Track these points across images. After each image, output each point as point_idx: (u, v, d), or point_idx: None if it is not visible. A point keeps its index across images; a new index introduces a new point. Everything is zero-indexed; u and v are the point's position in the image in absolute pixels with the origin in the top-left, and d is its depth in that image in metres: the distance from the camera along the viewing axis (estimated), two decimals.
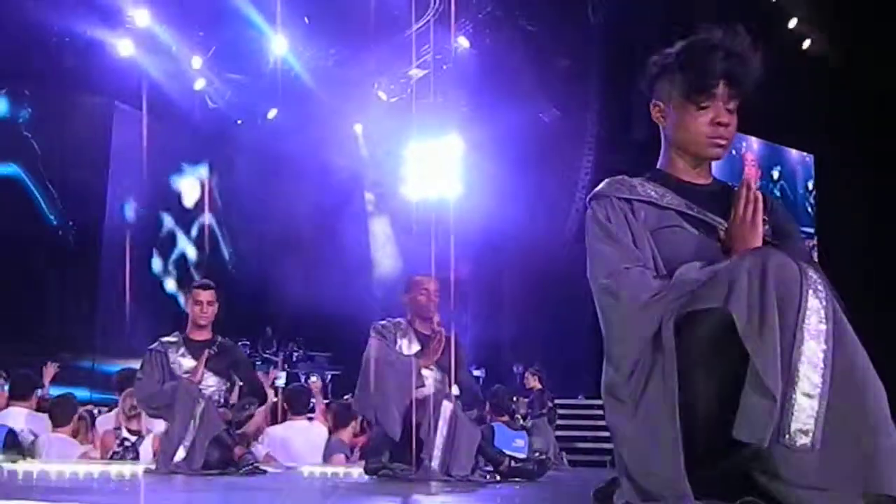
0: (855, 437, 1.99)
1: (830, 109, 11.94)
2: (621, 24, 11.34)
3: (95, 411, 7.67)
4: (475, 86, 12.20)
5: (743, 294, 2.04)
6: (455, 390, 5.32)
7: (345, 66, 12.24)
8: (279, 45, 11.86)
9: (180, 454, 5.09)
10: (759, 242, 2.30)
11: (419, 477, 4.71)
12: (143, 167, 12.46)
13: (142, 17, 11.03)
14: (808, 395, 2.00)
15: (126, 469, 5.34)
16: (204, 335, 5.64)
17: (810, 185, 15.29)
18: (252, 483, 4.80)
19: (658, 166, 2.57)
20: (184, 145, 12.97)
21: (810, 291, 2.04)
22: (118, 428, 6.71)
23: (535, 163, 12.00)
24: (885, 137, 11.65)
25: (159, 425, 5.73)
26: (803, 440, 1.99)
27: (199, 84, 12.23)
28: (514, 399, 8.85)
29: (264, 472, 5.35)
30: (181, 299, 11.93)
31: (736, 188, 2.41)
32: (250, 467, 5.20)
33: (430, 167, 13.02)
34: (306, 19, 11.71)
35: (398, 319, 5.37)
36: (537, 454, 6.91)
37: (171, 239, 13.39)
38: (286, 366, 11.88)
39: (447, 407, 4.87)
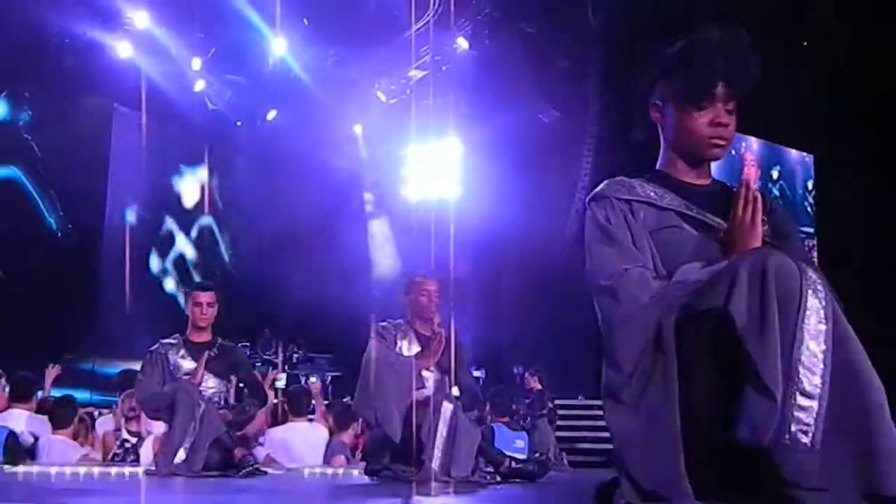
0: (855, 438, 1.99)
1: (830, 109, 11.93)
2: (621, 25, 11.32)
3: (96, 413, 7.67)
4: (474, 87, 12.20)
5: (743, 294, 2.05)
6: (455, 391, 5.33)
7: (344, 67, 12.24)
8: (279, 47, 11.86)
9: (181, 456, 5.09)
10: (758, 243, 2.31)
11: (420, 478, 4.71)
12: (143, 169, 12.48)
13: (141, 19, 11.03)
14: (808, 396, 2.00)
15: (126, 471, 5.34)
16: (204, 337, 5.64)
17: (810, 185, 15.28)
18: (252, 485, 4.80)
19: (657, 167, 2.57)
20: (183, 147, 12.97)
21: (810, 291, 2.05)
22: (118, 430, 6.71)
23: (535, 164, 11.99)
24: (885, 137, 11.64)
25: (159, 427, 5.74)
26: (803, 440, 1.99)
27: (199, 85, 12.23)
28: (515, 400, 8.84)
29: (265, 473, 5.36)
30: (181, 300, 11.93)
31: (735, 188, 2.41)
32: (251, 469, 5.20)
33: (429, 168, 13.02)
34: (306, 21, 11.71)
35: (398, 320, 5.37)
36: (537, 455, 6.91)
37: (171, 240, 13.38)
38: (286, 367, 11.88)
39: (447, 408, 4.87)
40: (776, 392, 1.99)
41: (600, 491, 2.45)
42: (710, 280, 2.16)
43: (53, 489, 4.09)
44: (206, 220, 13.85)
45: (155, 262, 13.13)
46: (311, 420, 7.30)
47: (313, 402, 7.74)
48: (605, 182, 2.53)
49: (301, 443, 6.79)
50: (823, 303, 2.05)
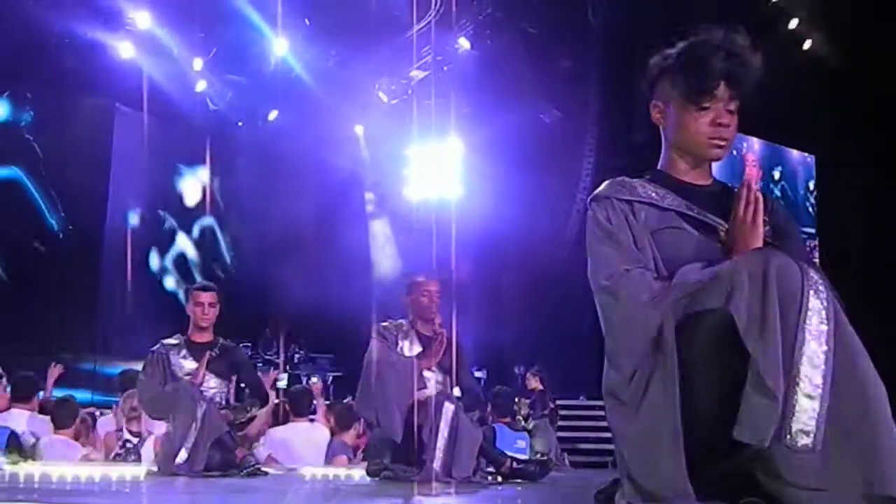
0: (856, 438, 1.99)
1: (831, 110, 11.92)
2: (622, 26, 11.32)
3: (97, 413, 7.68)
4: (476, 87, 12.19)
5: (744, 295, 2.04)
6: (456, 392, 5.33)
7: (345, 68, 12.24)
8: (280, 47, 11.86)
9: (182, 456, 5.09)
10: (759, 243, 2.31)
11: (421, 478, 4.71)
12: (144, 169, 12.48)
13: (143, 19, 11.03)
14: (810, 396, 2.00)
15: (127, 471, 5.35)
16: (205, 337, 5.65)
17: (811, 185, 15.28)
18: (254, 485, 4.80)
19: (658, 167, 2.57)
20: (185, 147, 12.97)
21: (811, 292, 2.04)
22: (119, 430, 6.72)
23: (536, 164, 11.99)
24: (887, 138, 11.63)
25: (160, 427, 5.74)
26: (804, 441, 1.99)
27: (200, 86, 12.23)
28: (516, 400, 8.84)
29: (266, 473, 5.36)
30: (182, 300, 11.93)
31: (736, 189, 2.41)
32: (252, 469, 5.20)
33: (430, 168, 13.02)
34: (307, 21, 11.71)
35: (400, 321, 5.38)
36: (539, 455, 6.92)
37: (172, 241, 13.39)
38: (287, 367, 11.88)
39: (449, 408, 4.87)
40: (777, 392, 1.99)
41: (601, 491, 2.45)
42: (711, 280, 2.16)
43: (55, 489, 4.09)
44: (208, 220, 13.85)
45: (156, 263, 13.14)
46: (312, 420, 7.30)
47: (314, 402, 7.74)
48: (606, 182, 2.53)
49: (302, 443, 6.79)
50: (825, 303, 2.05)
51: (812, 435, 1.98)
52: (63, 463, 5.91)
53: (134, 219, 12.59)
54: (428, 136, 12.65)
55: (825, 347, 2.02)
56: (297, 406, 7.05)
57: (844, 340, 2.04)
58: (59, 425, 6.41)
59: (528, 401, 9.80)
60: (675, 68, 2.47)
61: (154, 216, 13.05)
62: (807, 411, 1.99)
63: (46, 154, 11.66)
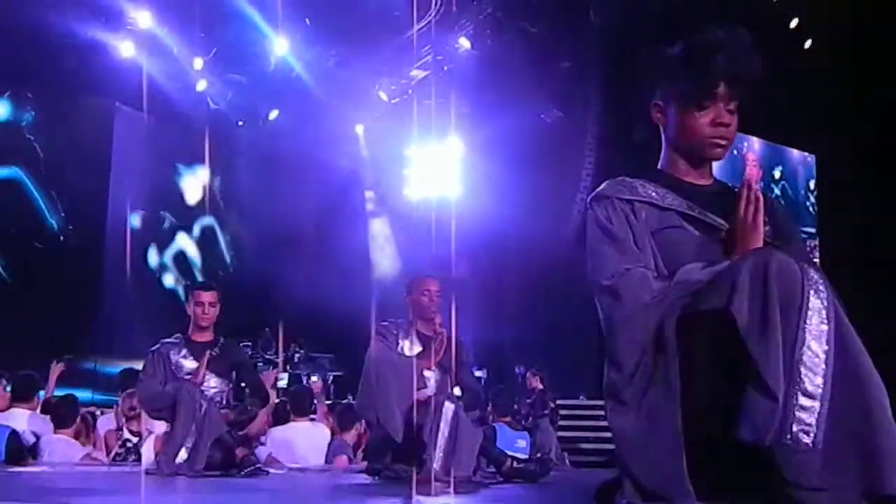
0: (857, 438, 1.99)
1: (832, 109, 11.93)
2: (622, 25, 11.33)
3: (98, 412, 7.67)
4: (476, 87, 12.20)
5: (744, 295, 2.04)
6: (457, 391, 5.33)
7: (346, 67, 12.24)
8: (280, 47, 11.87)
9: (182, 455, 5.09)
10: (760, 243, 2.31)
11: (421, 478, 4.70)
12: (145, 168, 12.49)
13: (143, 19, 11.04)
14: (810, 396, 2.00)
15: (128, 470, 5.35)
16: (206, 336, 5.64)
17: (812, 184, 15.28)
18: (254, 484, 4.80)
19: (659, 167, 2.57)
20: (185, 146, 12.98)
21: (812, 292, 2.05)
22: (120, 429, 6.72)
23: (536, 164, 12.00)
24: (887, 137, 11.64)
25: (160, 426, 5.74)
26: (805, 440, 1.99)
27: (201, 85, 12.24)
28: (516, 400, 8.85)
29: (266, 473, 5.35)
30: (182, 300, 11.93)
31: (737, 189, 2.41)
32: (252, 469, 5.20)
33: (431, 168, 13.02)
34: (307, 20, 11.71)
35: (400, 320, 5.37)
36: (539, 455, 6.91)
37: (173, 241, 13.39)
38: (288, 367, 11.89)
39: (449, 408, 4.87)
40: (778, 392, 1.99)
41: (601, 491, 2.45)
42: (711, 280, 2.16)
43: (55, 489, 4.09)
44: (208, 219, 13.86)
45: (156, 262, 13.14)
46: (312, 420, 7.30)
47: (315, 401, 7.74)
48: (607, 182, 2.53)
49: (303, 442, 6.79)
50: (825, 303, 2.05)
51: (812, 434, 1.99)
52: (64, 462, 5.91)
53: (134, 218, 12.59)
54: (428, 135, 12.67)
55: (825, 347, 2.02)
56: (297, 405, 7.05)
57: (845, 340, 2.04)
58: (59, 425, 6.41)
59: (528, 400, 9.81)
60: (675, 68, 2.47)
61: (154, 216, 13.06)
62: (807, 411, 2.00)
63: (47, 154, 11.67)
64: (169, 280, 13.24)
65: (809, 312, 2.03)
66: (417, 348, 5.25)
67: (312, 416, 7.39)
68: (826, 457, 1.99)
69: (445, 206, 12.22)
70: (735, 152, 13.25)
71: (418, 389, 5.02)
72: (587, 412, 10.80)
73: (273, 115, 13.22)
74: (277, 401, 7.50)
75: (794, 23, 12.29)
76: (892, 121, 11.41)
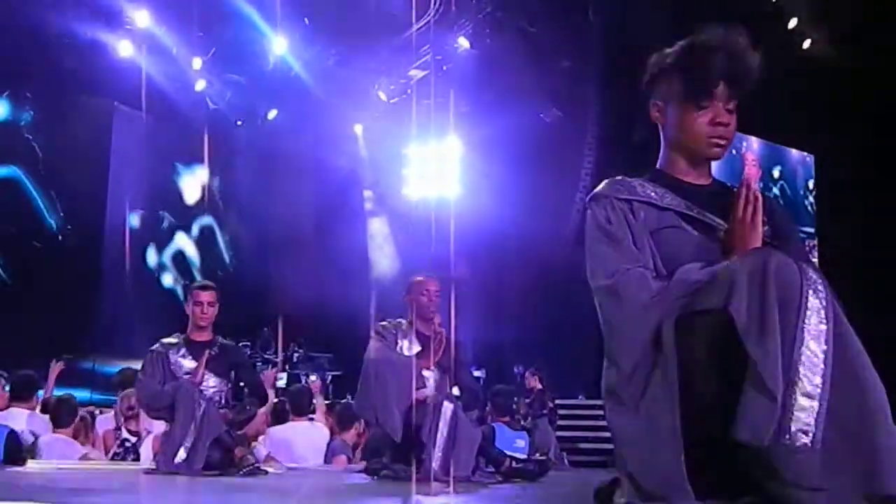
0: (855, 437, 1.99)
1: (831, 109, 11.94)
2: (621, 25, 11.34)
3: (97, 412, 7.67)
4: (475, 86, 12.20)
5: (743, 295, 2.04)
6: (455, 391, 5.33)
7: (345, 67, 12.25)
8: (279, 46, 11.87)
9: (181, 455, 5.09)
10: (758, 243, 2.30)
11: (420, 477, 4.71)
12: (144, 168, 12.49)
13: (142, 19, 11.04)
14: (809, 396, 2.00)
15: (126, 470, 5.35)
16: (204, 336, 5.64)
17: (811, 184, 15.29)
18: (253, 484, 4.80)
19: (657, 166, 2.57)
20: (184, 146, 12.98)
21: (810, 291, 2.04)
22: (118, 429, 6.71)
23: (535, 163, 12.00)
24: (886, 137, 11.64)
25: (158, 426, 5.74)
26: (804, 440, 1.99)
27: (200, 85, 12.24)
28: (515, 399, 8.84)
29: (265, 472, 5.35)
30: (181, 299, 11.93)
31: (736, 188, 2.41)
32: (251, 468, 5.20)
33: (430, 168, 13.03)
34: (306, 20, 11.71)
35: (399, 320, 5.37)
36: (538, 454, 6.91)
37: (172, 240, 13.39)
38: (286, 366, 11.89)
39: (448, 407, 4.87)
40: (776, 392, 1.99)
41: (601, 491, 2.45)
42: (710, 280, 2.16)
43: (54, 488, 4.09)
44: (207, 219, 13.86)
45: (155, 262, 13.14)
46: (311, 419, 7.30)
47: (314, 401, 7.73)
48: (606, 182, 2.52)
49: (302, 442, 6.79)
50: (824, 303, 2.05)
51: (811, 434, 1.98)
52: (62, 462, 5.91)
53: (133, 218, 12.59)
54: (427, 135, 12.67)
55: (824, 347, 2.02)
56: (296, 405, 7.04)
57: (843, 340, 2.04)
58: (58, 424, 6.41)
59: (527, 400, 9.81)
60: (674, 68, 2.46)
61: (153, 215, 13.06)
62: (806, 411, 1.99)
63: (46, 153, 11.67)
64: (168, 280, 13.24)
65: (808, 312, 2.03)
66: (416, 348, 5.25)
67: (311, 415, 7.39)
68: (825, 457, 1.98)
69: (444, 205, 12.22)
70: (734, 152, 13.25)
71: (417, 389, 5.02)
72: (586, 412, 10.80)
73: (272, 114, 13.22)
74: (276, 400, 7.49)
75: (792, 22, 12.30)
76: (891, 120, 11.42)
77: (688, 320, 2.16)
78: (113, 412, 7.12)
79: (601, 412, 2.40)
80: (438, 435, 4.79)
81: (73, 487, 4.16)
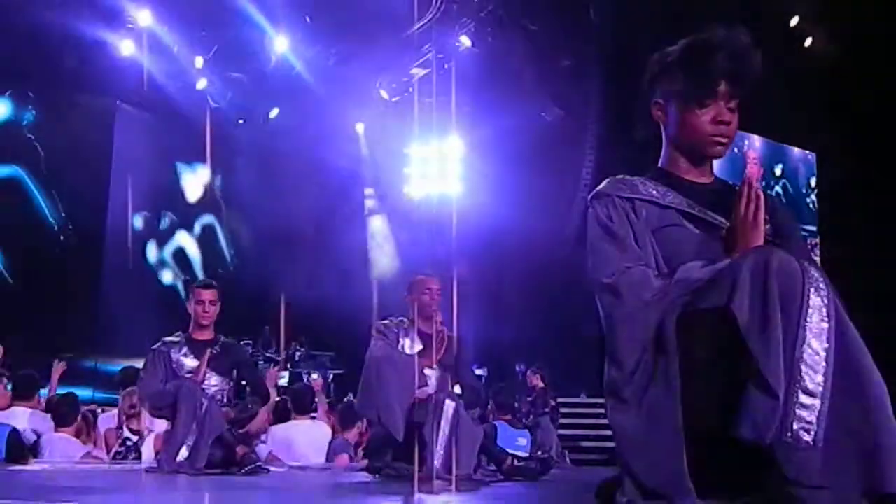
0: (857, 436, 1.99)
1: (832, 107, 11.93)
2: (623, 23, 11.33)
3: (99, 411, 7.68)
4: (477, 85, 12.20)
5: (745, 293, 2.04)
6: (457, 389, 5.33)
7: (346, 66, 12.24)
8: (280, 45, 11.87)
9: (183, 454, 5.10)
10: (760, 241, 2.30)
11: (422, 476, 4.71)
12: (145, 167, 12.49)
13: (144, 18, 11.05)
14: (811, 394, 2.00)
15: (128, 468, 5.35)
16: (206, 335, 5.65)
17: (812, 182, 15.28)
18: (254, 482, 4.81)
19: (659, 165, 2.57)
20: (185, 145, 13.00)
21: (812, 290, 2.04)
22: (120, 427, 6.72)
23: (537, 162, 12.00)
24: (887, 135, 11.64)
25: (160, 425, 5.74)
26: (805, 438, 1.99)
27: (201, 84, 12.25)
28: (517, 398, 8.85)
29: (267, 471, 5.36)
30: (182, 298, 11.94)
31: (737, 187, 2.41)
32: (253, 467, 5.20)
33: (431, 166, 13.02)
34: (308, 18, 11.72)
35: (400, 318, 5.37)
36: (540, 453, 6.92)
37: (173, 239, 13.40)
38: (288, 365, 11.89)
39: (450, 406, 4.87)
40: (778, 390, 1.99)
41: (602, 489, 2.45)
42: (712, 279, 2.16)
43: (56, 487, 4.09)
44: (208, 218, 13.87)
45: (156, 261, 13.15)
46: (313, 418, 7.30)
47: (316, 399, 7.74)
48: (607, 180, 2.52)
49: (304, 441, 6.79)
50: (825, 301, 2.05)
51: (813, 433, 1.98)
52: (64, 461, 5.91)
53: (135, 217, 12.60)
54: (429, 133, 12.67)
55: (826, 345, 2.02)
56: (298, 404, 7.05)
57: (845, 338, 2.04)
58: (60, 423, 6.42)
59: (529, 398, 9.81)
60: (676, 66, 2.46)
61: (155, 214, 13.07)
62: (807, 409, 1.99)
63: (48, 153, 11.68)
64: (169, 278, 13.24)
65: (810, 310, 2.03)
66: (418, 347, 5.25)
67: (313, 414, 7.39)
68: (826, 455, 1.98)
69: (446, 204, 12.22)
70: (736, 150, 13.25)
71: (419, 388, 5.02)
72: (587, 410, 10.82)
73: (273, 113, 13.23)
74: (278, 399, 7.50)
75: (794, 21, 12.30)
76: (892, 118, 11.41)
77: (689, 319, 2.16)
78: (115, 411, 7.13)
79: (602, 410, 2.40)
80: (440, 433, 4.79)
81: (75, 486, 4.16)
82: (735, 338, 2.03)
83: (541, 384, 10.29)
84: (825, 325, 2.03)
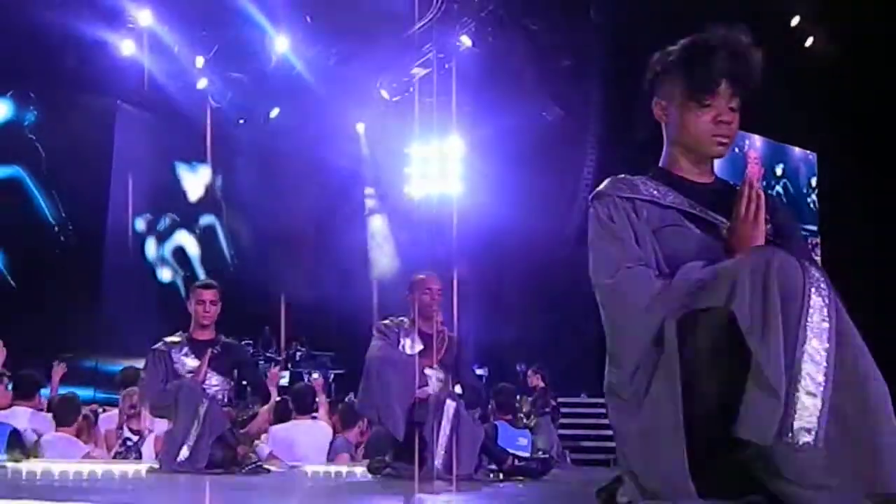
0: (858, 436, 1.99)
1: (833, 107, 11.93)
2: (623, 23, 11.33)
3: (99, 410, 7.68)
4: (477, 85, 12.20)
5: (745, 293, 2.04)
6: (458, 389, 5.33)
7: (347, 65, 12.25)
8: (281, 45, 11.87)
9: (184, 453, 5.10)
10: (761, 241, 2.30)
11: (422, 476, 4.71)
12: (146, 167, 12.49)
13: (144, 18, 11.06)
14: (811, 394, 2.00)
15: (129, 468, 5.35)
16: (207, 335, 5.64)
17: (813, 182, 15.28)
18: (255, 482, 4.81)
19: (660, 165, 2.57)
20: (186, 145, 13.00)
21: (813, 289, 2.04)
22: (120, 427, 6.72)
23: (538, 161, 12.00)
24: (888, 135, 11.63)
25: (160, 425, 5.74)
26: (806, 438, 1.98)
27: (202, 83, 12.25)
28: (518, 398, 8.85)
29: (268, 471, 5.36)
30: (183, 298, 11.94)
31: (738, 186, 2.41)
32: (253, 466, 5.21)
33: (432, 166, 13.03)
34: (308, 18, 11.72)
35: (401, 318, 5.37)
36: (540, 453, 6.92)
37: (174, 239, 13.40)
38: (289, 365, 11.89)
39: (450, 406, 4.87)
40: (779, 390, 1.99)
41: (603, 489, 2.45)
42: (712, 279, 2.16)
43: (56, 487, 4.09)
44: (209, 218, 13.87)
45: (157, 261, 13.15)
46: (314, 418, 7.30)
47: (317, 399, 7.73)
48: (608, 180, 2.52)
49: (304, 440, 6.80)
50: (826, 301, 2.04)
51: (814, 433, 1.98)
52: (65, 460, 5.91)
53: (135, 216, 12.60)
54: (429, 133, 12.67)
55: (827, 345, 2.02)
56: (299, 404, 7.05)
57: (846, 338, 2.04)
58: (60, 423, 6.42)
59: (529, 398, 9.80)
60: (677, 66, 2.46)
61: (155, 214, 13.07)
62: (808, 409, 1.99)
63: (49, 153, 11.68)
64: (168, 276, 13.24)
65: (811, 310, 2.03)
66: (419, 346, 5.25)
67: (314, 414, 7.39)
68: (828, 455, 1.98)
69: (446, 204, 12.23)
70: (736, 150, 13.25)
71: (419, 388, 5.02)
72: (588, 410, 10.82)
73: (274, 113, 13.23)
74: (279, 399, 7.50)
75: (795, 21, 12.29)
76: (893, 118, 11.40)
77: (690, 319, 2.16)
78: (116, 411, 7.13)
79: (603, 410, 2.40)
80: (441, 433, 4.79)
81: (76, 486, 4.16)
82: (735, 338, 2.03)
83: (541, 384, 10.28)
84: (826, 325, 2.03)
